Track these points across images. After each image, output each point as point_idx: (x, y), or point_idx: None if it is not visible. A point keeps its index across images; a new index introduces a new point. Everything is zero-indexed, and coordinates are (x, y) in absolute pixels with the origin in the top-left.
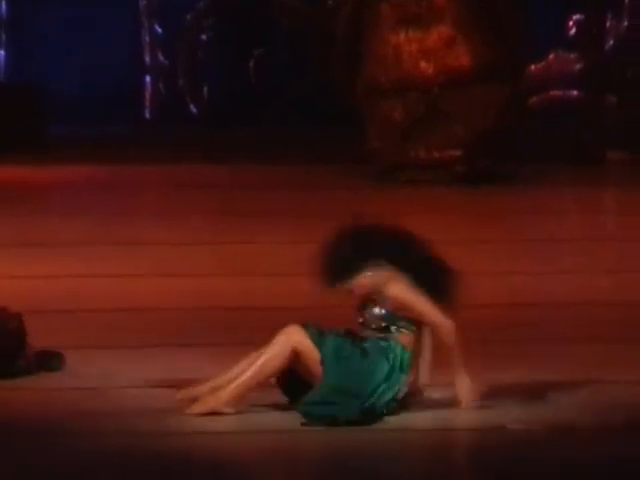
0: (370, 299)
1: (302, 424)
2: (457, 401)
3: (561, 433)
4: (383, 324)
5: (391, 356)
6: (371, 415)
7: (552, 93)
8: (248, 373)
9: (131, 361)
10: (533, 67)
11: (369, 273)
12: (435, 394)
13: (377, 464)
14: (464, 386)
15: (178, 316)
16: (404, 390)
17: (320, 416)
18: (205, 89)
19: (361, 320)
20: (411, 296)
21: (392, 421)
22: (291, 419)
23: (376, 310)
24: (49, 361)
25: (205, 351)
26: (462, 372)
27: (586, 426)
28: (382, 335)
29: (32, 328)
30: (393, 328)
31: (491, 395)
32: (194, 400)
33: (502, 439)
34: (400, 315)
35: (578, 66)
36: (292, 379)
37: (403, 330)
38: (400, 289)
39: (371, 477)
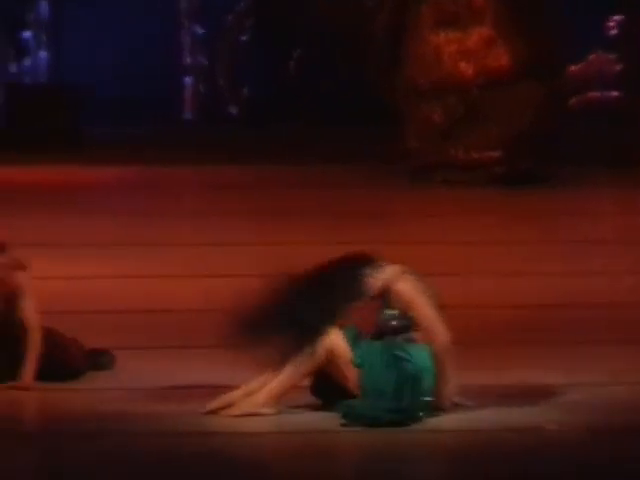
0: (383, 300)
1: (342, 425)
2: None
3: (593, 434)
4: (394, 322)
5: (418, 354)
6: (411, 416)
7: (591, 94)
8: (284, 374)
9: (164, 362)
10: (572, 68)
11: (377, 273)
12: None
13: (414, 465)
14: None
15: (208, 317)
16: (433, 384)
17: (361, 416)
18: (245, 89)
19: (378, 323)
20: (416, 296)
21: (429, 422)
22: (329, 420)
23: (389, 312)
24: (99, 359)
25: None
26: (446, 387)
27: (619, 428)
28: (404, 335)
29: (64, 329)
30: (408, 326)
31: (524, 396)
32: (229, 406)
33: (535, 440)
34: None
35: (617, 67)
36: (324, 381)
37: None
38: (407, 286)
39: (408, 477)
